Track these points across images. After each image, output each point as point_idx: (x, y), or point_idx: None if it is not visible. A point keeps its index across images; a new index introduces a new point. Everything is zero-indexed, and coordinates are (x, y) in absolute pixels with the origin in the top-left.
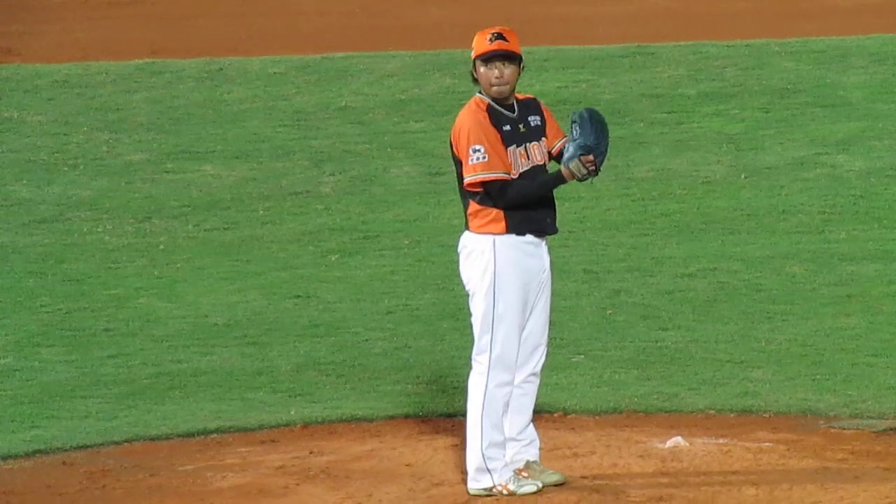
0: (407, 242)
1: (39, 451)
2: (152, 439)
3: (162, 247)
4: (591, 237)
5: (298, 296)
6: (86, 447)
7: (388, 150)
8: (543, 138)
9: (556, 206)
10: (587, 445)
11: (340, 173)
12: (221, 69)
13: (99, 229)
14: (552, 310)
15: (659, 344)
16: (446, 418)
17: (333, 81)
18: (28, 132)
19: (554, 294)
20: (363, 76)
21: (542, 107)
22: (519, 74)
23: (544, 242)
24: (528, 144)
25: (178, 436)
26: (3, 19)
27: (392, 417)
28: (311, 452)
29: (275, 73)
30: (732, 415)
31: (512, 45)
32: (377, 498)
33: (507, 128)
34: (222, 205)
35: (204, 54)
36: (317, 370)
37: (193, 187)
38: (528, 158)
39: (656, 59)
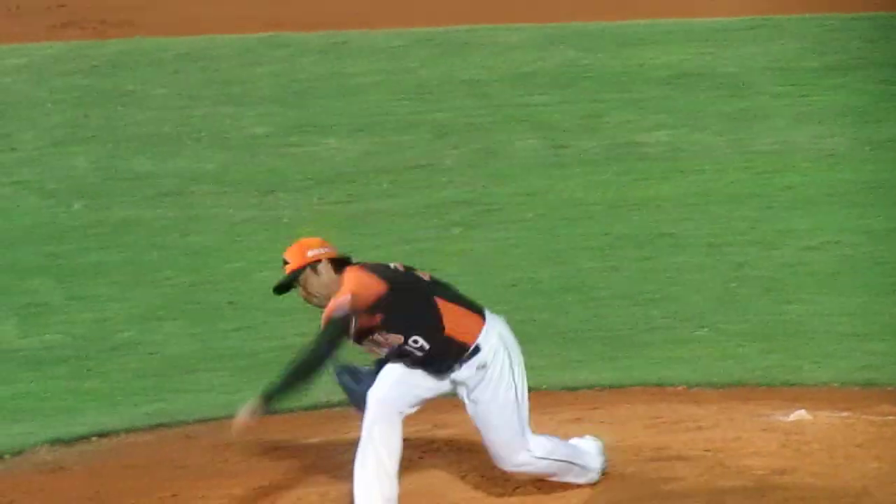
0: (530, 215)
1: (162, 425)
2: (275, 412)
3: (285, 220)
4: (715, 210)
5: (421, 269)
6: (209, 420)
7: (511, 122)
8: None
9: None
10: (710, 419)
11: (463, 146)
12: (345, 42)
13: (223, 202)
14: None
15: (782, 317)
16: (569, 391)
17: (456, 54)
18: (151, 106)
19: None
20: (486, 49)
21: None
22: (316, 280)
23: None
24: None
25: (302, 409)
26: None
27: None
28: (434, 426)
29: (398, 45)
30: (856, 388)
31: (291, 266)
32: (500, 471)
33: None
34: (345, 178)
35: (327, 27)
36: None
37: (317, 161)
38: None
39: (780, 32)
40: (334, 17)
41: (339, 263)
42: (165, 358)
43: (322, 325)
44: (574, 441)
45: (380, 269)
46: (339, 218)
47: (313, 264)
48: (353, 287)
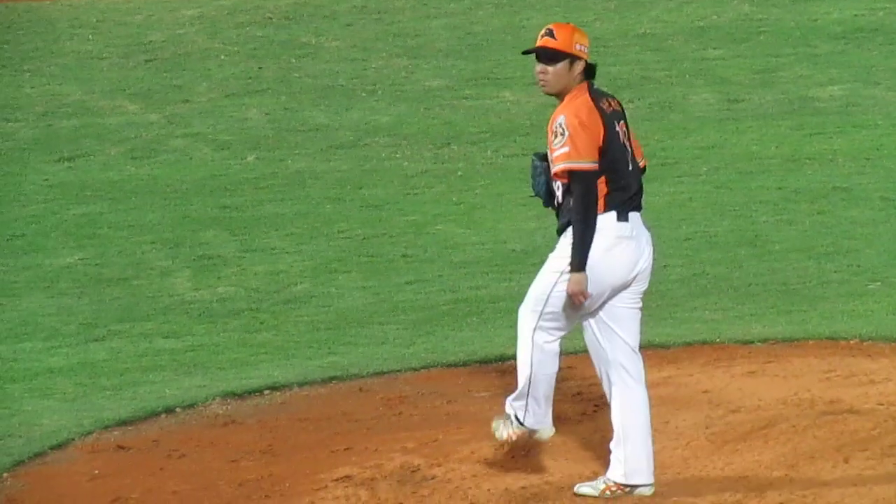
0: (705, 169)
1: (336, 378)
2: (449, 366)
3: (460, 173)
4: (888, 164)
5: None
6: (382, 374)
7: (687, 76)
8: None
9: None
10: (883, 372)
11: (639, 100)
12: None
13: (397, 155)
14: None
15: None
16: (743, 345)
17: (632, 8)
18: (326, 58)
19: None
20: (662, 3)
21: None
22: (566, 73)
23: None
24: None
25: (475, 362)
26: None
27: (689, 344)
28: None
29: None
30: None
31: (558, 44)
32: (674, 425)
33: None
34: (521, 131)
35: None
36: None
37: (492, 113)
38: None
39: None
40: None
41: (588, 72)
42: (339, 311)
43: (565, 173)
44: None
45: (608, 120)
46: (515, 171)
47: (575, 58)
48: (576, 138)
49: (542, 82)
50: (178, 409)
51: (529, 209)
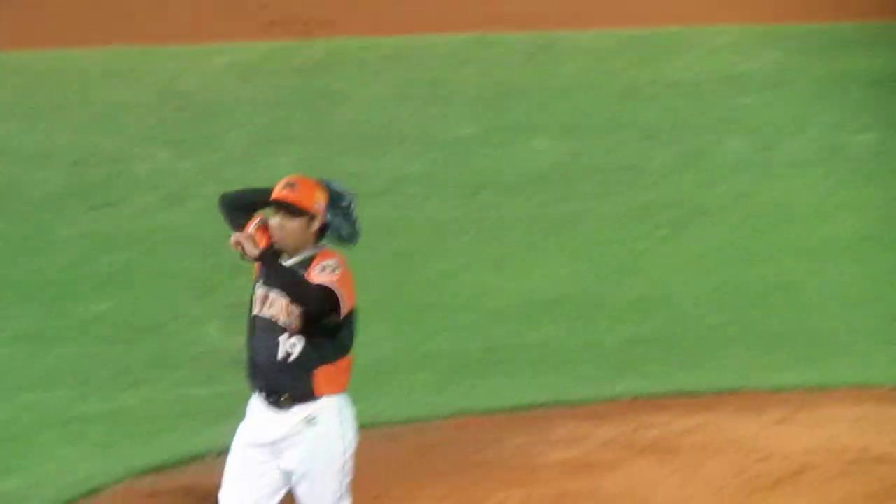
0: (737, 216)
1: (365, 425)
2: (479, 414)
3: (492, 220)
4: None
5: (627, 270)
6: (412, 421)
7: (719, 123)
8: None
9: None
10: None
11: (671, 147)
12: (552, 43)
13: (428, 203)
14: None
15: None
16: (773, 392)
17: (663, 55)
18: (357, 106)
19: None
20: (694, 50)
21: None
22: (303, 231)
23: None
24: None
25: (506, 410)
26: None
27: (719, 391)
28: (638, 426)
29: (606, 46)
30: None
31: (298, 198)
32: (704, 472)
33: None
34: (552, 179)
35: (534, 27)
36: (645, 344)
37: (524, 161)
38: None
39: None
40: (542, 17)
41: (320, 233)
42: (369, 359)
43: (321, 288)
44: None
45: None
46: (546, 219)
47: (314, 216)
48: (350, 292)
49: (276, 240)
50: (209, 456)
51: (560, 257)
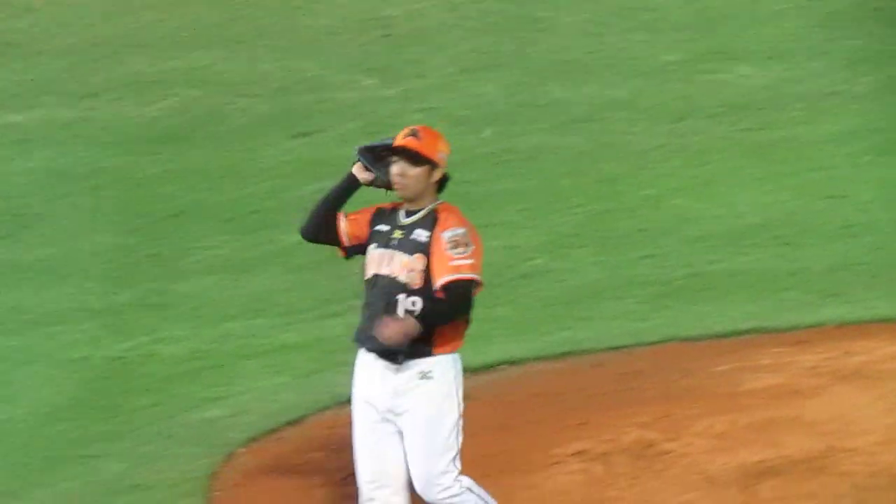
0: None
1: (571, 353)
2: (685, 340)
3: (696, 147)
4: None
5: (832, 196)
6: (617, 348)
7: None
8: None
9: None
10: None
11: (875, 73)
12: None
13: (633, 130)
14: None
15: None
16: None
17: None
18: (562, 33)
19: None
20: None
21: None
22: (425, 179)
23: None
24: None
25: (711, 336)
26: None
27: None
28: (843, 353)
29: None
30: None
31: (421, 146)
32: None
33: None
34: (756, 105)
35: None
36: (850, 270)
37: (728, 88)
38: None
39: None
40: None
41: (442, 183)
42: (574, 286)
43: (461, 293)
44: None
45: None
46: (750, 145)
47: (436, 165)
48: (481, 261)
49: (397, 187)
50: None
51: (764, 183)
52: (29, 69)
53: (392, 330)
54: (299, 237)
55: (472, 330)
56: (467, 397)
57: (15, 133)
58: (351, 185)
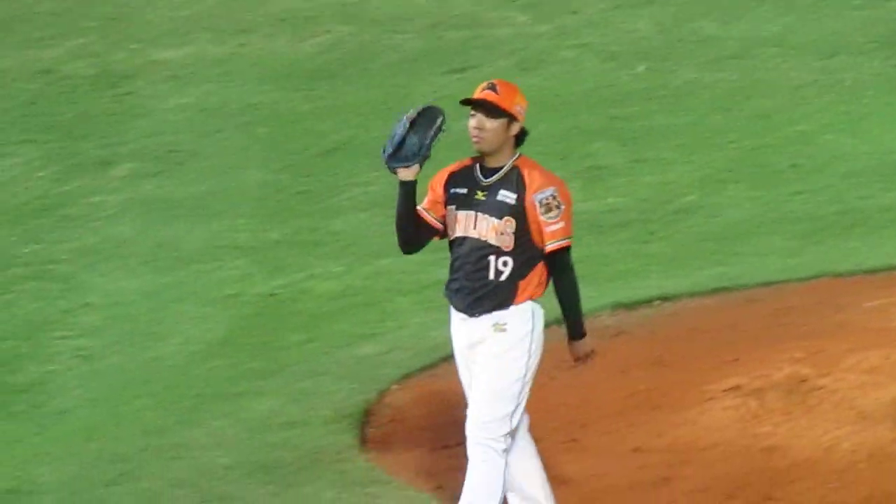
0: None
1: (724, 289)
2: (837, 276)
3: (848, 83)
4: None
5: None
6: (770, 284)
7: None
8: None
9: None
10: None
11: None
12: None
13: (785, 65)
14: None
15: None
16: None
17: None
18: None
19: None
20: None
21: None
22: (504, 132)
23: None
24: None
25: (863, 272)
26: None
27: None
28: None
29: None
30: None
31: (499, 99)
32: None
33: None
34: None
35: None
36: None
37: (881, 23)
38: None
39: None
40: None
41: (520, 137)
42: (727, 222)
43: (562, 249)
44: None
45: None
46: None
47: (514, 118)
48: (569, 213)
49: (476, 139)
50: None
51: None
52: (183, 6)
53: (588, 356)
54: None
55: (625, 265)
56: (621, 333)
57: (168, 70)
58: (408, 191)
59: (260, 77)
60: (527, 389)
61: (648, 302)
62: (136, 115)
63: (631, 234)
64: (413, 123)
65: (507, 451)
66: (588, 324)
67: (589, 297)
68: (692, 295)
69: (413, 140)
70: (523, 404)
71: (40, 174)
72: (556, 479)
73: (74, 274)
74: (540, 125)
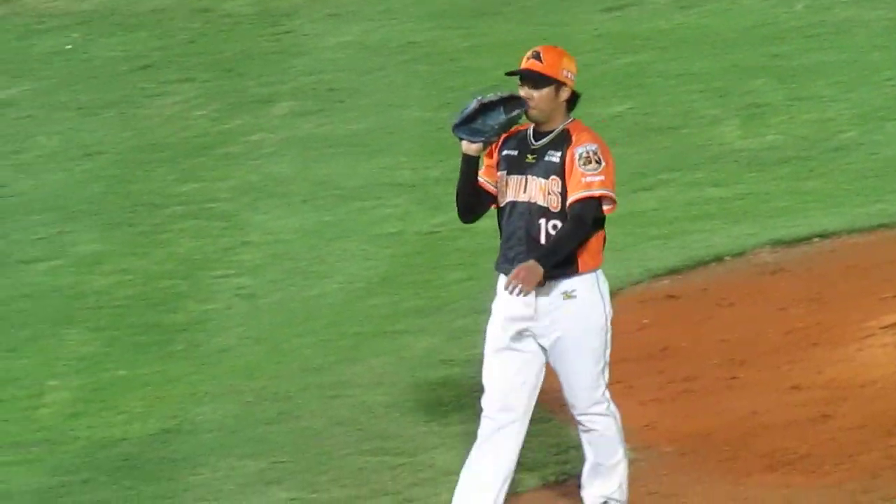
0: None
1: (883, 226)
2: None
3: None
4: None
5: None
6: None
7: None
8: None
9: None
10: None
11: None
12: None
13: None
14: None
15: None
16: None
17: None
18: None
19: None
20: None
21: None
22: (553, 98)
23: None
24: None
25: None
26: None
27: None
28: None
29: None
30: None
31: (544, 67)
32: None
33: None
34: None
35: None
36: None
37: None
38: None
39: None
40: None
41: (572, 102)
42: (886, 158)
43: (585, 200)
44: None
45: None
46: None
47: (562, 84)
48: (614, 177)
49: (527, 109)
50: (726, 258)
51: None
52: None
53: (526, 282)
54: (612, 110)
55: (784, 203)
56: (779, 270)
57: (328, 8)
58: (469, 164)
59: (419, 15)
60: (609, 340)
61: (807, 239)
62: (295, 53)
63: (790, 172)
64: (488, 106)
65: (613, 409)
66: (747, 260)
67: (748, 235)
68: (850, 232)
69: (484, 120)
70: (609, 353)
71: (200, 112)
72: (716, 417)
73: (235, 212)
74: (698, 63)
